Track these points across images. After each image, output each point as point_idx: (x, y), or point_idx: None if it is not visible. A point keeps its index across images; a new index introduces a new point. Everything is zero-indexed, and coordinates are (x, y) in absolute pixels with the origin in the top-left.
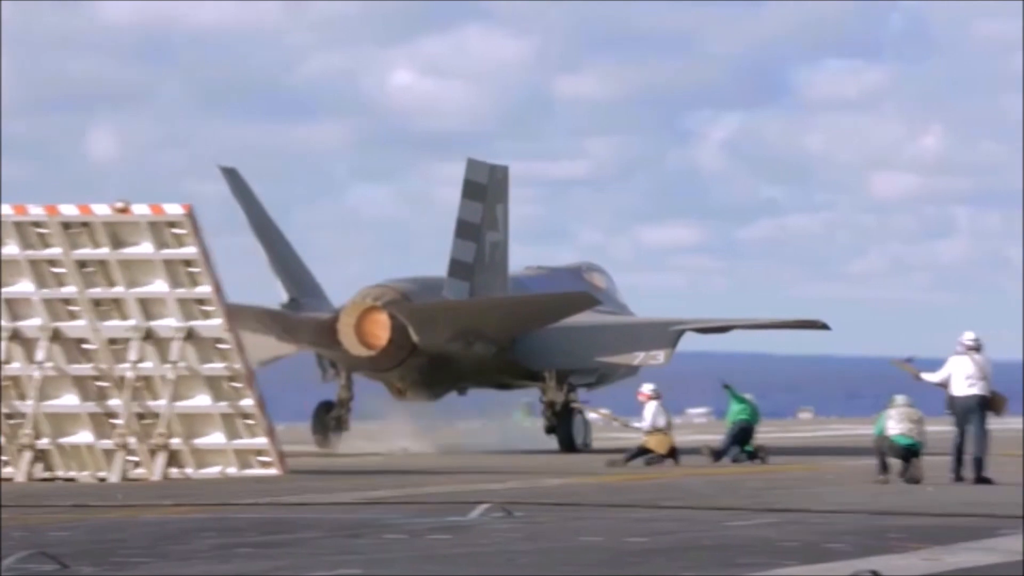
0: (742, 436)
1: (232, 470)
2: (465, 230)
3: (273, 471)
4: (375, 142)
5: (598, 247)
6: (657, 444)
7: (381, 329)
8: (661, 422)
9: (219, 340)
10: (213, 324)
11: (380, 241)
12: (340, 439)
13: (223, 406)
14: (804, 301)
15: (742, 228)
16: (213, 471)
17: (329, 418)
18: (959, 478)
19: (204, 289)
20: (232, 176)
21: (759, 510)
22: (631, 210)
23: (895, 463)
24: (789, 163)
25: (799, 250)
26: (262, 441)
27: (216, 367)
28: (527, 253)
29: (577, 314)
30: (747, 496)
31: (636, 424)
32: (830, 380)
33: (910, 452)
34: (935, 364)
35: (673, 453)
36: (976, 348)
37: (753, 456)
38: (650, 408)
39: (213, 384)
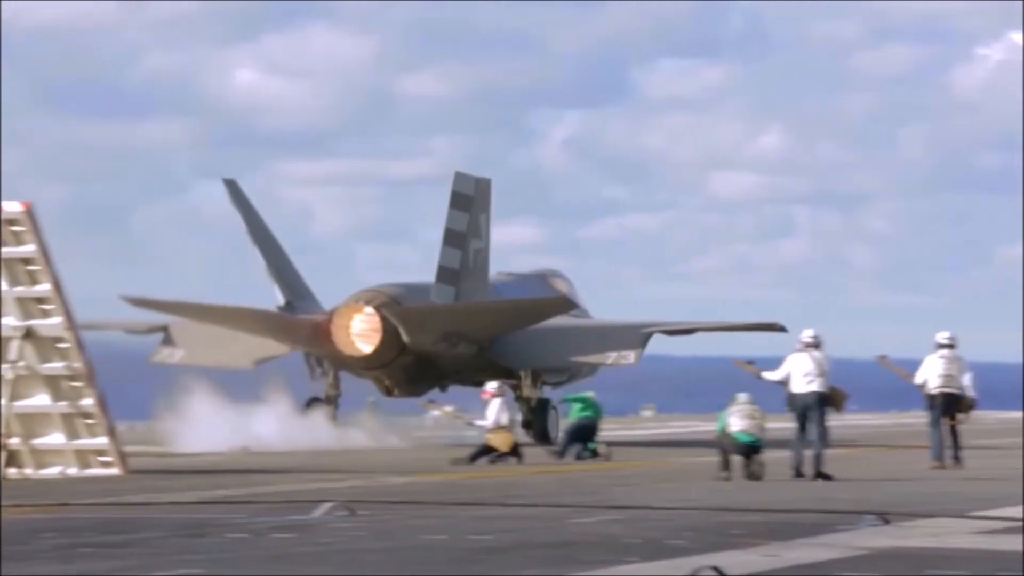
0: (585, 433)
1: (72, 470)
2: (452, 238)
3: (114, 471)
4: (216, 140)
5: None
6: (500, 442)
7: (374, 330)
8: (504, 419)
9: (59, 339)
10: (53, 323)
11: (222, 239)
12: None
13: (63, 406)
14: (647, 301)
15: (584, 227)
16: (53, 471)
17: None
18: (799, 474)
19: (43, 287)
20: (232, 187)
21: (602, 507)
22: None
23: (737, 460)
24: (631, 162)
25: (641, 249)
26: (103, 441)
27: (56, 366)
28: (369, 252)
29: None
30: (590, 493)
31: (479, 422)
32: (671, 379)
33: (751, 449)
34: (774, 363)
35: (516, 450)
36: (814, 345)
37: (596, 453)
38: (493, 406)
39: (52, 383)
